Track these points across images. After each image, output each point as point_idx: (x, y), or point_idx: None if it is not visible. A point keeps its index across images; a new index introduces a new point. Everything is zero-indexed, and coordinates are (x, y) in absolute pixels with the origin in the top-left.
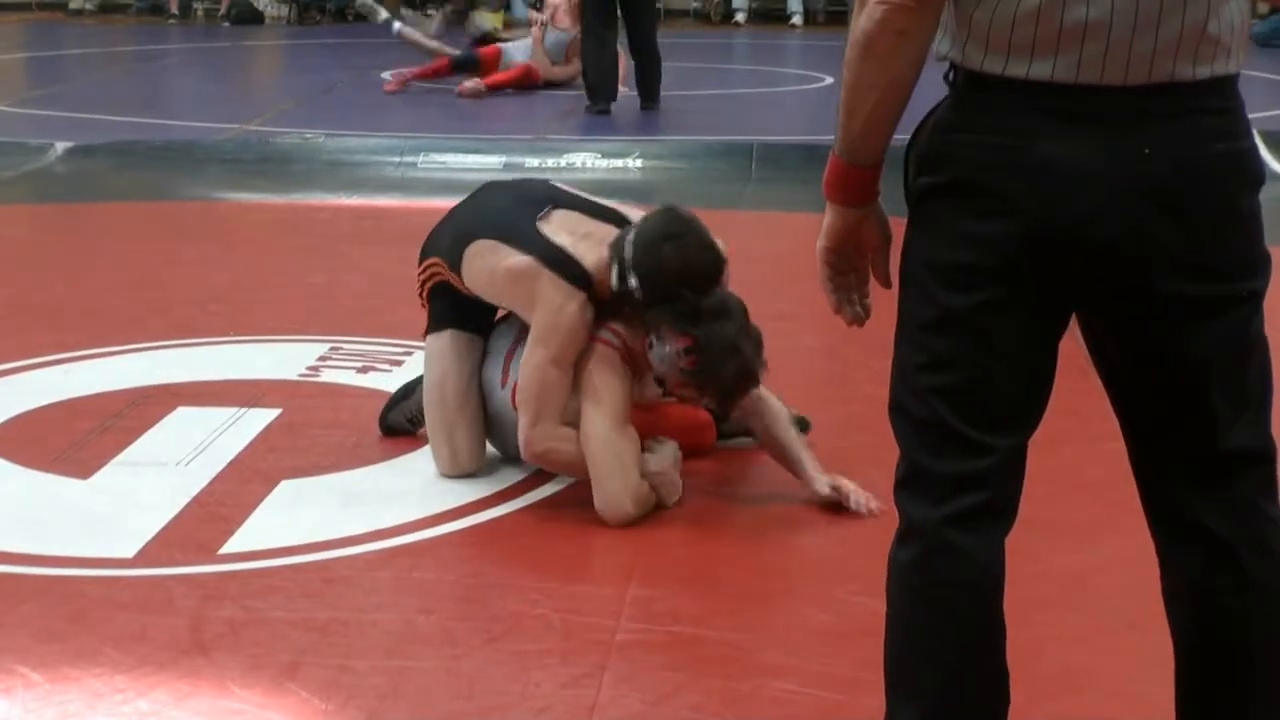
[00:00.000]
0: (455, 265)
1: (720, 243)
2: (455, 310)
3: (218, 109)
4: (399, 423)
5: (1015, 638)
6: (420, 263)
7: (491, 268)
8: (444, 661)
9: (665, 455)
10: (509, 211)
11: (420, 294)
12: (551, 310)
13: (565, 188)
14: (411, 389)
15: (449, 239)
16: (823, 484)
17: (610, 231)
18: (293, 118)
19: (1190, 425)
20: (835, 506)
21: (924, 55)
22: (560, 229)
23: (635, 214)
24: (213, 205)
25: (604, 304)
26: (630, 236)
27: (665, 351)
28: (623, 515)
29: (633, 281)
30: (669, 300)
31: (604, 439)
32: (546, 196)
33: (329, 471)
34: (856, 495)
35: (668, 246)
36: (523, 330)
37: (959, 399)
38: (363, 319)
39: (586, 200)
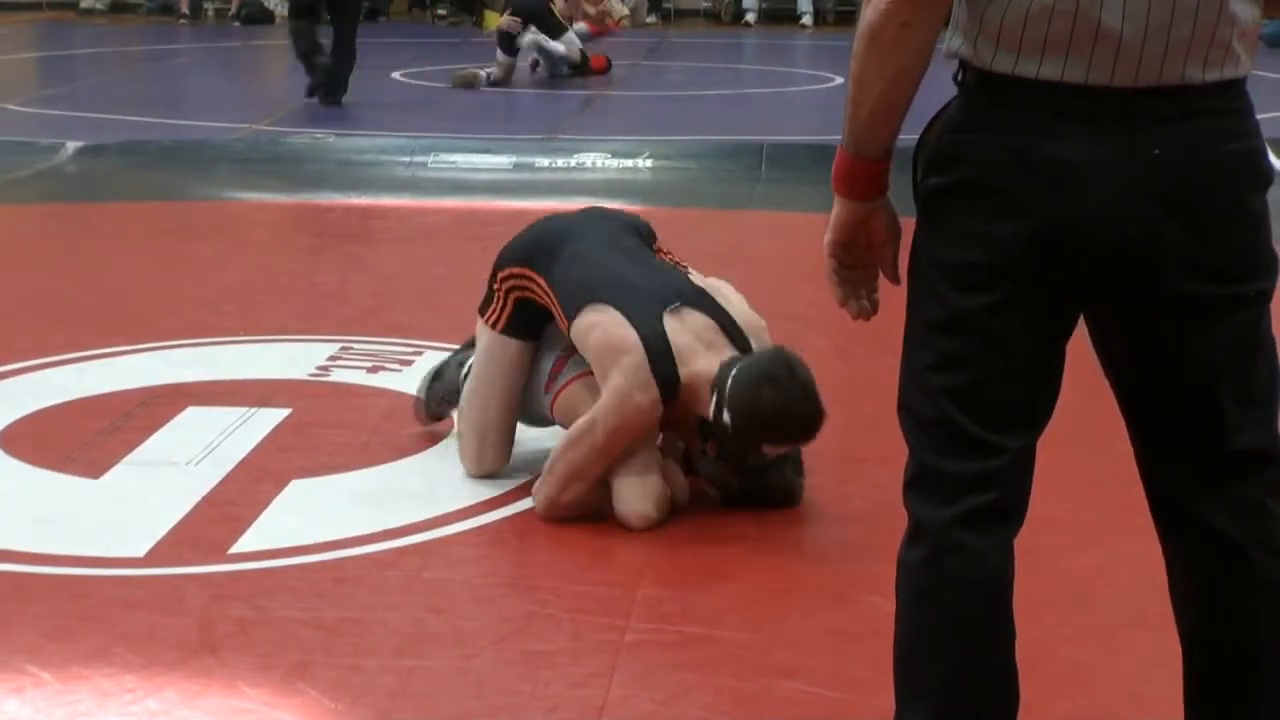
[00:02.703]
0: (570, 314)
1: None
2: (538, 323)
3: (228, 109)
4: (440, 411)
5: (1024, 637)
6: (513, 266)
7: (593, 324)
8: (454, 661)
9: (670, 463)
10: (642, 287)
11: (504, 295)
12: (619, 394)
13: (701, 284)
14: (441, 371)
15: (573, 284)
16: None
17: (727, 345)
18: (303, 117)
19: (1199, 426)
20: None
21: (929, 48)
22: (686, 329)
23: (752, 319)
24: (223, 205)
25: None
26: (735, 370)
27: (716, 468)
28: (644, 516)
29: (726, 417)
30: (756, 449)
31: (621, 459)
32: (684, 290)
33: (339, 471)
34: None
35: (767, 391)
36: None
37: (968, 399)
38: (373, 319)
39: (714, 303)
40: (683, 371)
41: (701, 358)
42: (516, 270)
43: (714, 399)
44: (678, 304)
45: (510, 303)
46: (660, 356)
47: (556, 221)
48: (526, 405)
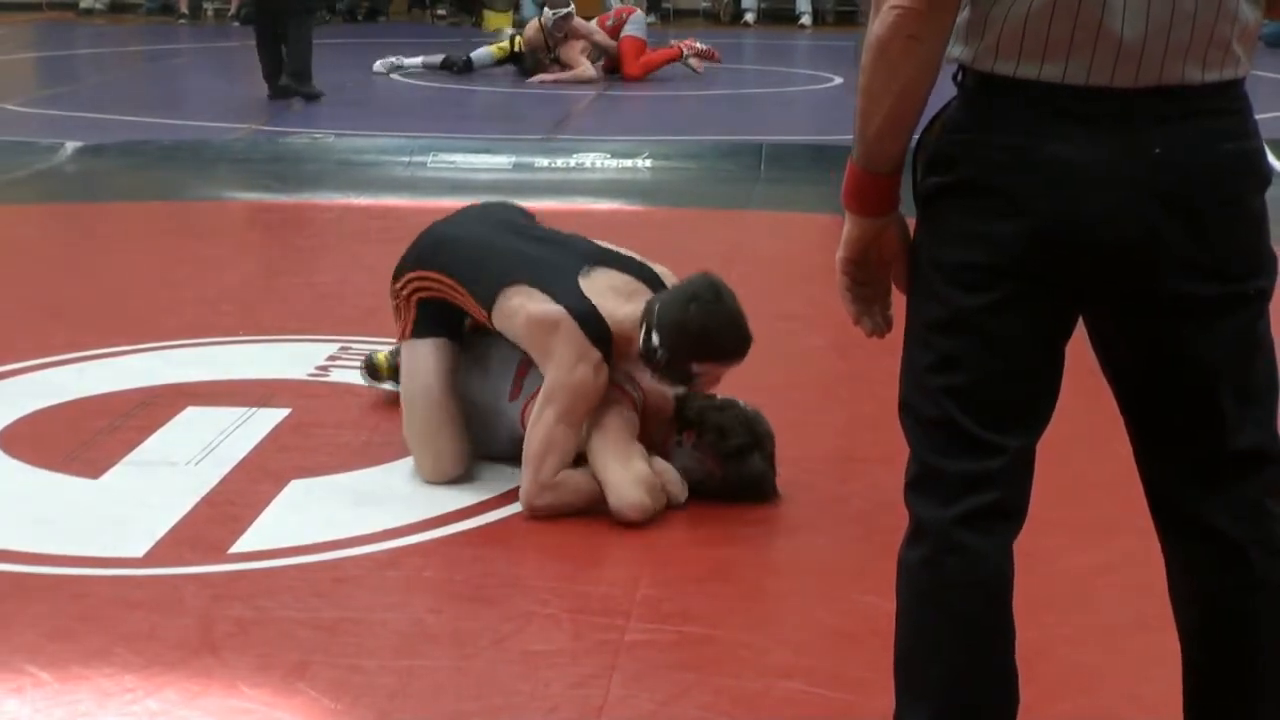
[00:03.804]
0: (487, 301)
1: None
2: (444, 319)
3: (227, 109)
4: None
5: (1024, 637)
6: (411, 271)
7: (518, 309)
8: (453, 661)
9: (661, 460)
10: (551, 261)
11: (406, 300)
12: (564, 368)
13: (606, 244)
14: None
15: (483, 273)
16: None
17: (648, 294)
18: (302, 117)
19: (1198, 425)
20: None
21: (938, 60)
22: (602, 287)
23: (672, 279)
24: (223, 205)
25: (628, 359)
26: (662, 297)
27: (694, 458)
28: (638, 504)
29: (655, 339)
30: (685, 371)
31: (606, 449)
32: (590, 253)
33: (338, 471)
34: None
35: (693, 307)
36: None
37: (968, 399)
38: (372, 319)
39: (628, 258)
40: (611, 324)
41: (625, 307)
42: (413, 274)
43: (643, 328)
44: (586, 268)
45: (413, 306)
46: (589, 319)
47: (441, 225)
48: (489, 427)
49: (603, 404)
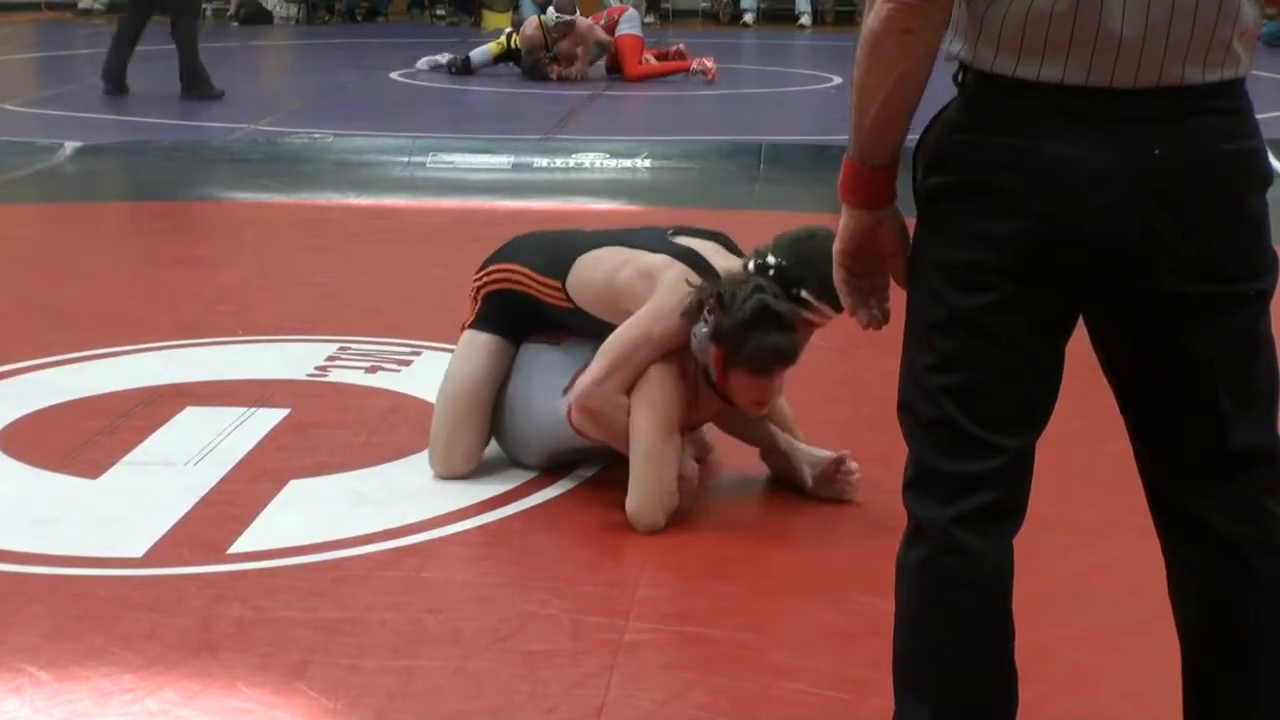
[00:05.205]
0: (559, 273)
1: None
2: (507, 317)
3: (226, 109)
4: None
5: (1023, 637)
6: (487, 265)
7: (615, 267)
8: (452, 661)
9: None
10: (631, 232)
11: (476, 293)
12: (670, 299)
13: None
14: None
15: (548, 253)
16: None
17: (732, 256)
18: (301, 117)
19: (1197, 425)
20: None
21: (933, 53)
22: (692, 243)
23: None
24: (221, 205)
25: None
26: (773, 243)
27: (702, 332)
28: (652, 526)
29: (771, 258)
30: (795, 299)
31: (651, 445)
32: (665, 228)
33: (337, 471)
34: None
35: (818, 236)
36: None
37: (968, 399)
38: (371, 319)
39: (700, 229)
40: (717, 266)
41: (719, 259)
42: (492, 267)
43: (751, 265)
44: (670, 233)
45: (480, 299)
46: (696, 261)
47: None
48: (525, 432)
49: (655, 367)
